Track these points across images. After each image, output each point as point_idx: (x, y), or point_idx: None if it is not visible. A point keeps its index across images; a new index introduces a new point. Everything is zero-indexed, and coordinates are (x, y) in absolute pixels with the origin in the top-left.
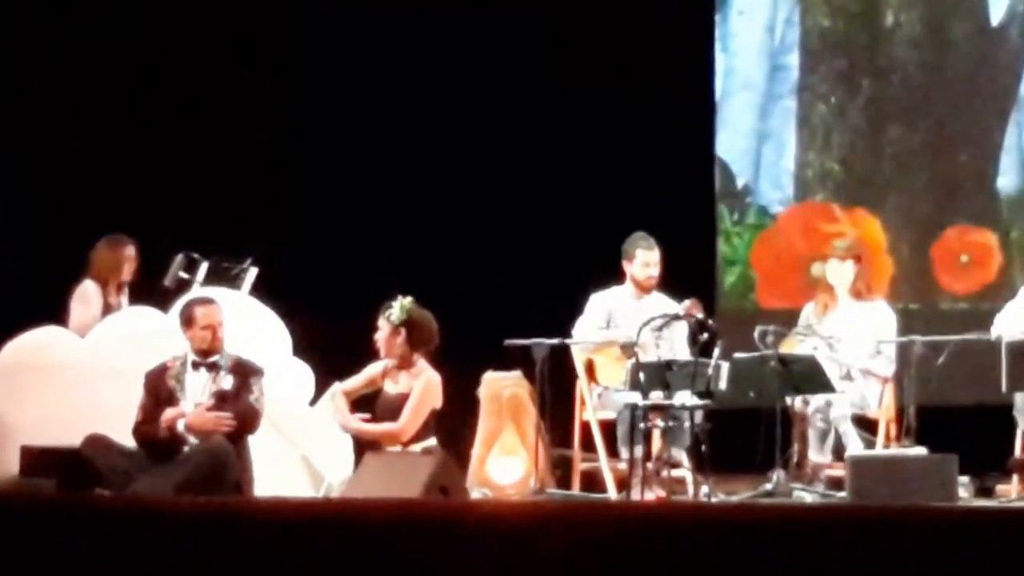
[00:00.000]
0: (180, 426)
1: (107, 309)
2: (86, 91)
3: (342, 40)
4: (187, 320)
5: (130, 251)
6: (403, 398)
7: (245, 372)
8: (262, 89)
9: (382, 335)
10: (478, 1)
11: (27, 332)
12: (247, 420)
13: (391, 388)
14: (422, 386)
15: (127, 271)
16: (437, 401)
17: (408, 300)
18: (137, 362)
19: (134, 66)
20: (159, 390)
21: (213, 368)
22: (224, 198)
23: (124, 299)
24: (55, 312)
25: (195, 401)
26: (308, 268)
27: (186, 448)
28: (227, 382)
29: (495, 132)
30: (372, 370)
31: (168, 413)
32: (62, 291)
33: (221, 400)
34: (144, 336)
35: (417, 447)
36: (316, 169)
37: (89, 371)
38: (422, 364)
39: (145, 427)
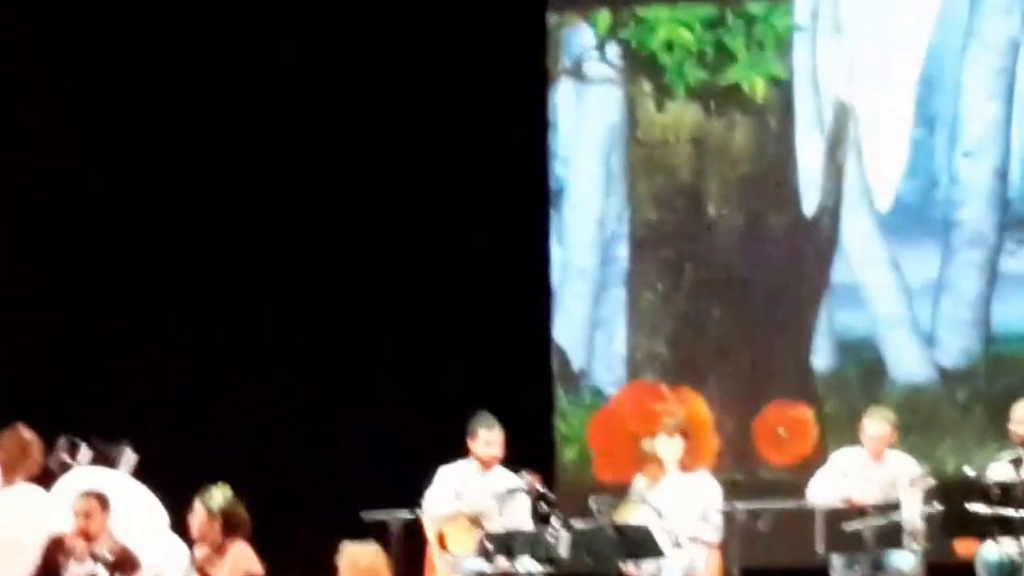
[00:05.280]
0: None
1: None
2: None
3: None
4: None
5: (36, 449)
6: None
7: (119, 565)
8: (132, 280)
9: (198, 520)
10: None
11: None
12: None
13: None
14: (232, 556)
15: (32, 464)
16: (252, 567)
17: (226, 488)
18: (26, 537)
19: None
20: (50, 560)
21: (95, 558)
22: (102, 381)
23: None
24: None
25: None
26: (181, 449)
27: None
28: (100, 571)
29: (351, 311)
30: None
31: None
32: None
33: None
34: (32, 512)
35: None
36: (182, 349)
37: None
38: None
39: None
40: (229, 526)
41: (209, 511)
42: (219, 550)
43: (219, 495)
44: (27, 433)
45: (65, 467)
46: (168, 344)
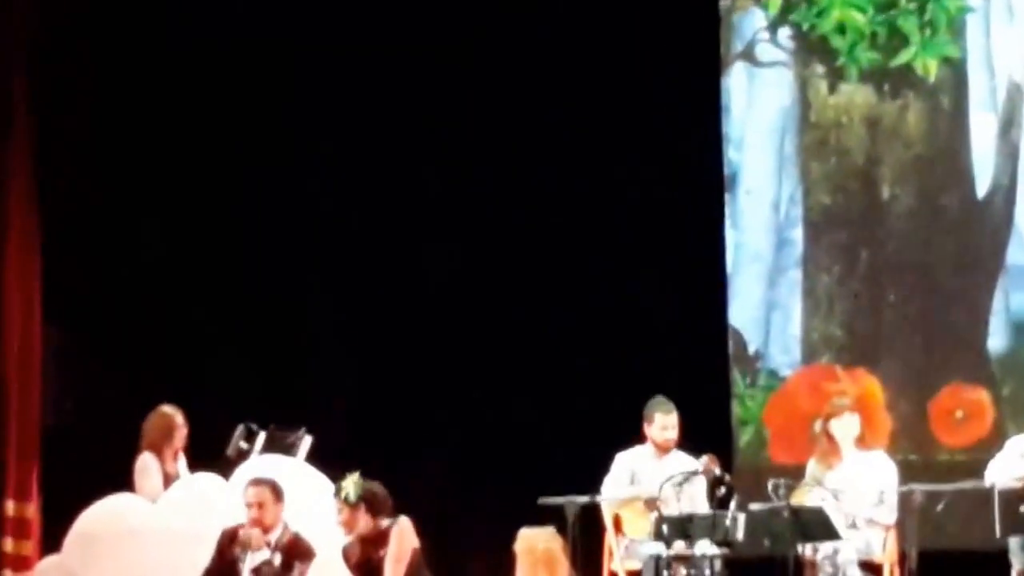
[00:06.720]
0: None
1: (167, 477)
2: (139, 271)
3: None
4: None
5: (178, 418)
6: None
7: (292, 554)
8: (309, 269)
9: (343, 517)
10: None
11: (102, 500)
12: None
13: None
14: (397, 535)
15: (179, 437)
16: (414, 542)
17: (357, 475)
18: (207, 526)
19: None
20: (225, 552)
21: (269, 546)
22: (280, 369)
23: (181, 465)
24: (123, 483)
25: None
26: (359, 435)
27: None
28: (276, 560)
29: (528, 300)
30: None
31: None
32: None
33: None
34: (212, 501)
35: None
36: (359, 337)
37: (162, 536)
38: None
39: None
40: (374, 509)
41: (349, 504)
42: (378, 534)
43: (351, 485)
44: (167, 409)
45: (243, 454)
46: (345, 333)
